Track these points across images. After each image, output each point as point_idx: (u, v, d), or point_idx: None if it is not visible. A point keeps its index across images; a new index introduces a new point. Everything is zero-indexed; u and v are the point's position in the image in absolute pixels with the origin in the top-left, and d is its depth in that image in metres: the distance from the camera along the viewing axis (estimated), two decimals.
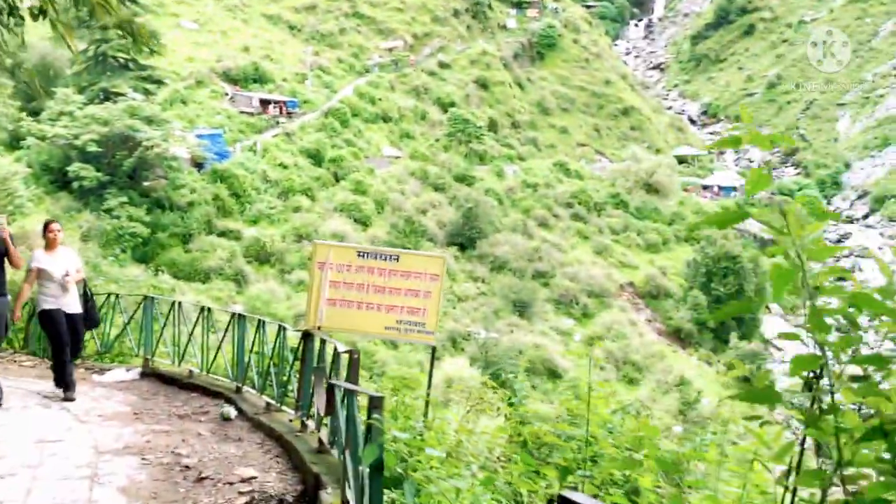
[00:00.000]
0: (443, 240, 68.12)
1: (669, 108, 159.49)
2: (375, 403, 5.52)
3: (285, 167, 68.24)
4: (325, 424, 8.91)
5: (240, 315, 13.70)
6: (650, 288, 71.04)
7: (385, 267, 11.21)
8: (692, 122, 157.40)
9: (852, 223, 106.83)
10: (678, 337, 67.02)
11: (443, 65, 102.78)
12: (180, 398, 13.53)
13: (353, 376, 7.91)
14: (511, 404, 9.49)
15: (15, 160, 53.51)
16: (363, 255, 11.26)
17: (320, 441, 9.12)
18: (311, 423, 10.04)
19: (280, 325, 12.22)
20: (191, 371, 15.41)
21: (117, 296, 18.30)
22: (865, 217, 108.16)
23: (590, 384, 6.41)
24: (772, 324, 75.53)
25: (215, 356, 14.87)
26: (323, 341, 9.78)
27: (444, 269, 11.60)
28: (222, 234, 57.90)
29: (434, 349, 11.72)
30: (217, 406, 12.58)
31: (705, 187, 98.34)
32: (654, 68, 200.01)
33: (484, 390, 10.83)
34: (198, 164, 63.09)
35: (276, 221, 62.18)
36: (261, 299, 50.03)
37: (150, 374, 15.74)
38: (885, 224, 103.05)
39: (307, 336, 10.61)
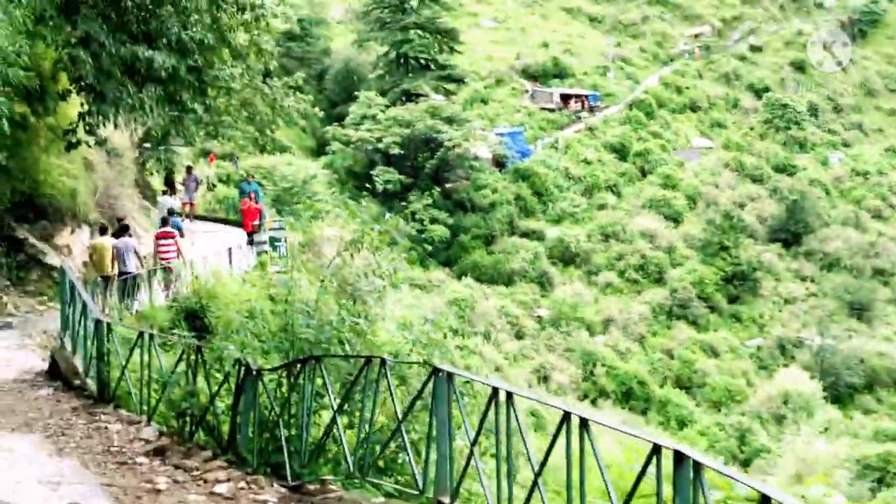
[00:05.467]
0: (764, 236, 62.73)
1: None
2: None
3: (588, 163, 65.24)
4: None
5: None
6: None
7: None
8: None
9: None
10: None
11: (754, 48, 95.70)
12: None
13: None
14: None
15: (324, 166, 54.07)
16: None
17: None
18: None
19: None
20: None
21: None
22: None
23: None
24: None
25: None
26: None
27: None
28: (525, 234, 55.79)
29: None
30: None
31: None
32: None
33: None
34: (499, 164, 61.65)
35: (580, 220, 59.21)
36: (567, 303, 47.14)
37: None
38: None
39: None
